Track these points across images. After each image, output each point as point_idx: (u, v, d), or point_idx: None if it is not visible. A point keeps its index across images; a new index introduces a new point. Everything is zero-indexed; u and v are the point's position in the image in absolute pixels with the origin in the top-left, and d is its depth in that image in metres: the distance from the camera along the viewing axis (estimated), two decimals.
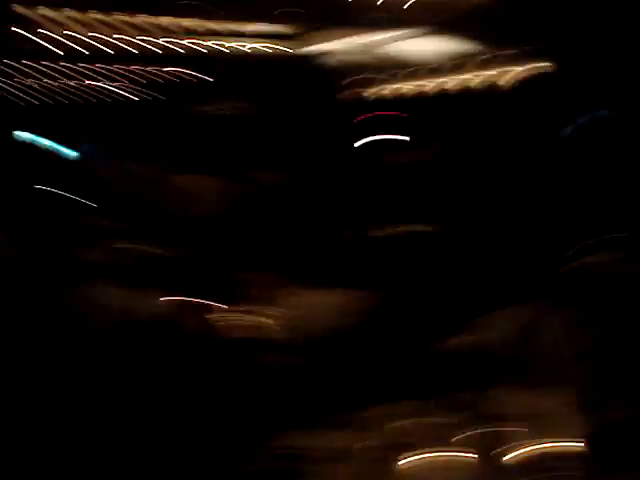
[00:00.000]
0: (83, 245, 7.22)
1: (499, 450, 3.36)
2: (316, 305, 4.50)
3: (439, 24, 14.93)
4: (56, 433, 4.32)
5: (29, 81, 24.83)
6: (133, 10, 14.67)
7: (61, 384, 4.77)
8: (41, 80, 24.83)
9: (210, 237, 7.89)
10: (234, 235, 8.02)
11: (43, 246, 6.91)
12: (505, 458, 3.39)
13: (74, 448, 4.24)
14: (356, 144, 17.62)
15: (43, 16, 15.05)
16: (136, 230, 8.28)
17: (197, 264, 6.47)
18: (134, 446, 4.15)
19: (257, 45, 17.79)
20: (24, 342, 5.31)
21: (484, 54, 16.13)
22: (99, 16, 15.09)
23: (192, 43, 17.30)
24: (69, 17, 15.26)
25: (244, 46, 17.65)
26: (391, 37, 16.43)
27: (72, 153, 15.87)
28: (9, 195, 8.69)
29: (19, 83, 24.87)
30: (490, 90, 16.50)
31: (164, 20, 15.69)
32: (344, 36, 16.56)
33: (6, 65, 20.87)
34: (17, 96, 25.38)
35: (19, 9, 14.19)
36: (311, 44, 17.70)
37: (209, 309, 4.78)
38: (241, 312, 5.47)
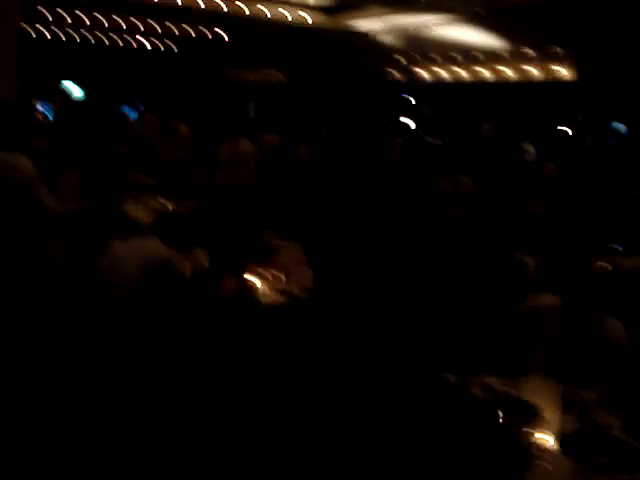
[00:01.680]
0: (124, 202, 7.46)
1: None
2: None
3: (477, 14, 15.02)
4: None
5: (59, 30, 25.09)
6: None
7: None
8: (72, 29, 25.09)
9: (242, 200, 8.11)
10: (265, 200, 8.24)
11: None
12: None
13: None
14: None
15: None
16: (171, 189, 8.51)
17: (228, 225, 6.64)
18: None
19: (298, 14, 17.93)
20: None
21: (510, 50, 16.30)
22: None
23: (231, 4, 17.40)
24: None
25: (284, 14, 17.77)
26: (429, 22, 16.51)
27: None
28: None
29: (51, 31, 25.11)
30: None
31: None
32: (384, 15, 16.63)
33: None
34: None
35: None
36: (352, 19, 17.83)
37: (243, 270, 4.91)
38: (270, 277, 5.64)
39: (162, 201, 8.19)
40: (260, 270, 5.67)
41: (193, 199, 8.36)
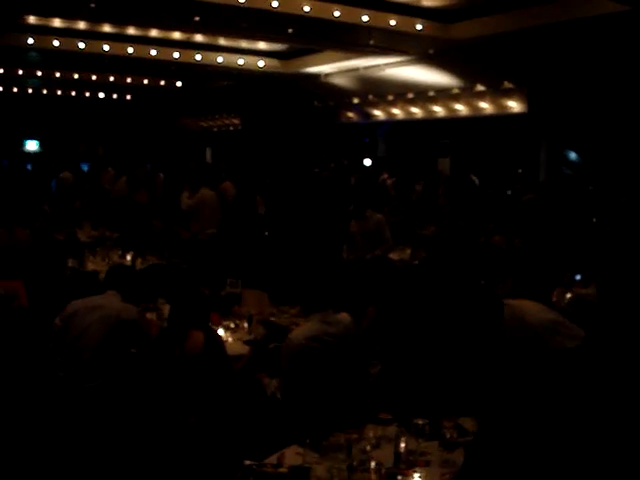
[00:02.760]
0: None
1: None
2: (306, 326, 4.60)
3: (426, 55, 15.30)
4: None
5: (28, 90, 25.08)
6: (125, 21, 14.67)
7: None
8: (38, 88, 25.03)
9: (205, 250, 8.09)
10: (227, 248, 8.22)
11: None
12: None
13: None
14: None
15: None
16: (133, 241, 8.48)
17: (190, 276, 6.62)
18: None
19: (251, 61, 18.05)
20: None
21: (462, 88, 16.63)
22: (90, 26, 15.18)
23: (183, 55, 17.49)
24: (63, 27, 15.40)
25: (237, 61, 17.88)
26: (382, 63, 16.75)
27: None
28: None
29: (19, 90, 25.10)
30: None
31: (155, 32, 15.82)
32: (337, 59, 16.83)
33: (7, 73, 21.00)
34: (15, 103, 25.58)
35: (30, 19, 14.32)
36: (304, 64, 18.02)
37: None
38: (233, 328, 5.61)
39: (122, 253, 8.15)
40: (224, 320, 5.65)
41: (155, 251, 8.33)
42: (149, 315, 5.61)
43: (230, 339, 5.39)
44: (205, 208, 8.98)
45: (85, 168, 15.65)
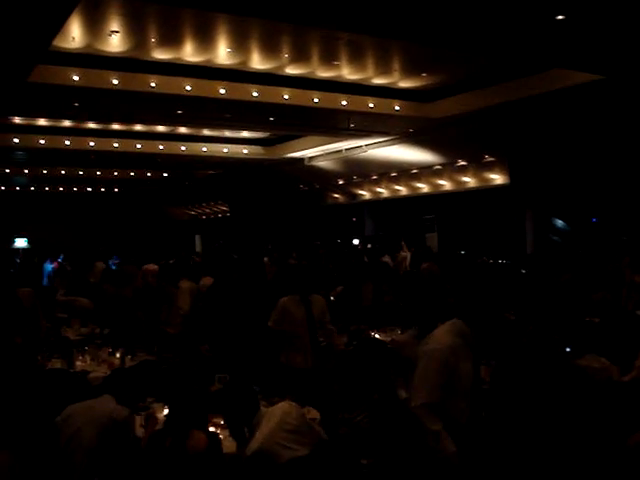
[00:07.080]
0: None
1: None
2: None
3: (406, 134, 15.58)
4: None
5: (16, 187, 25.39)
6: (109, 119, 14.98)
7: None
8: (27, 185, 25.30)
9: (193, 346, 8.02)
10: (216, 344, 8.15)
11: None
12: None
13: None
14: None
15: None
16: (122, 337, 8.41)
17: (182, 374, 6.56)
18: None
19: (235, 150, 18.34)
20: None
21: (444, 163, 16.91)
22: (75, 123, 15.50)
23: (168, 147, 17.75)
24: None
25: (222, 150, 18.16)
26: (364, 144, 17.02)
27: None
28: None
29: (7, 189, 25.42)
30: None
31: (139, 126, 16.13)
32: (320, 142, 17.10)
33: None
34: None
35: (16, 119, 14.61)
36: (288, 149, 18.30)
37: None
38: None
39: (112, 351, 8.05)
40: (214, 418, 5.53)
41: (144, 346, 8.23)
42: (138, 417, 5.50)
43: (221, 436, 5.28)
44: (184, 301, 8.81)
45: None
